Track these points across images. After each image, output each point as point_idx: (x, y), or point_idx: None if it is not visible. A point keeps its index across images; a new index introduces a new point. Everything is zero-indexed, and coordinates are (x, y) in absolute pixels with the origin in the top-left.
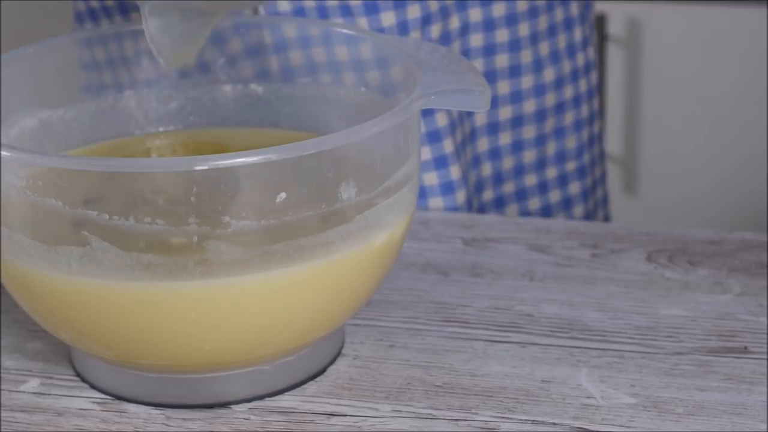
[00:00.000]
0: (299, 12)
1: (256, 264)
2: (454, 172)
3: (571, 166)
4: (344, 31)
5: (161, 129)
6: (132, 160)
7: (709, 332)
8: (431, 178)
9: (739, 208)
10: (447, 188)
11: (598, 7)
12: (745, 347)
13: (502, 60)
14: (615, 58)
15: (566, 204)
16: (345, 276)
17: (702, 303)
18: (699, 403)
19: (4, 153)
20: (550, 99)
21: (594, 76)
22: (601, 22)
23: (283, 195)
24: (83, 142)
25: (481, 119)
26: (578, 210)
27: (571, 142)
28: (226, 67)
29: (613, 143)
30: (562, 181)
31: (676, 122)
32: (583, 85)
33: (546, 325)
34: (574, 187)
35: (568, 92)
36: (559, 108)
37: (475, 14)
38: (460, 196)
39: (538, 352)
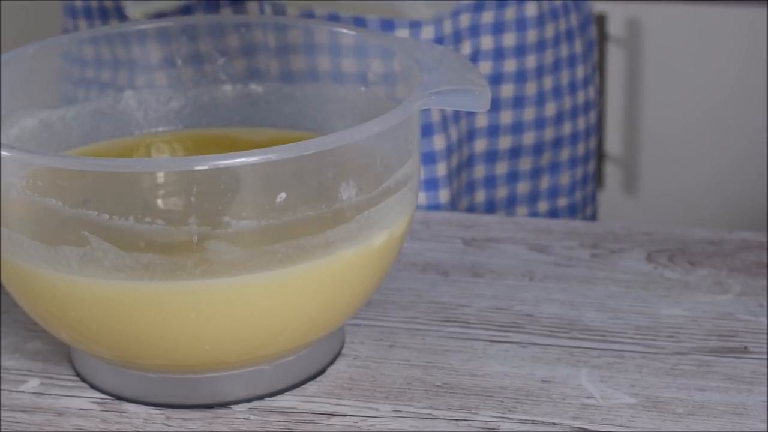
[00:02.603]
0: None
1: (256, 264)
2: (443, 195)
3: (562, 202)
4: (344, 30)
5: (161, 129)
6: (132, 160)
7: (709, 332)
8: (419, 198)
9: (739, 208)
10: (433, 210)
11: (598, 7)
12: (745, 347)
13: (507, 90)
14: (615, 58)
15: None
16: (345, 276)
17: (702, 303)
18: (699, 403)
19: (4, 153)
20: (549, 133)
21: (593, 115)
22: (601, 22)
23: (283, 195)
24: (83, 142)
25: (480, 146)
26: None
27: (564, 179)
28: (227, 67)
29: (613, 143)
30: (552, 216)
31: (676, 122)
32: (581, 123)
33: (546, 325)
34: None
35: (567, 129)
36: (557, 143)
37: (487, 42)
38: None
39: (538, 352)
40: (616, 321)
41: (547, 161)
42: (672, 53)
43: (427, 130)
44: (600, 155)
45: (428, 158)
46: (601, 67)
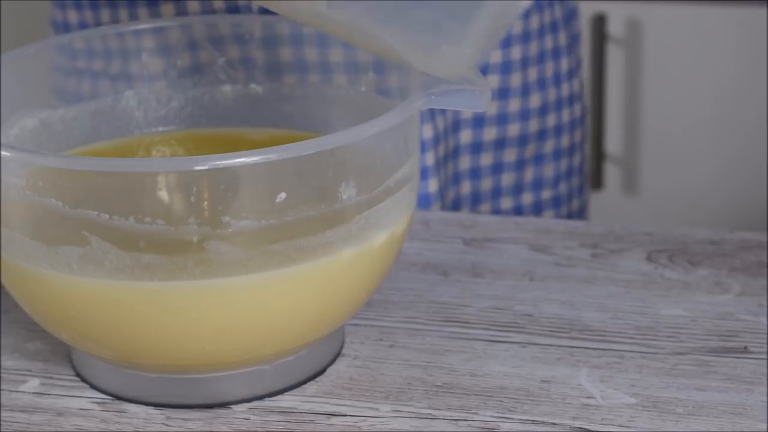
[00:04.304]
0: None
1: (256, 264)
2: (432, 185)
3: (546, 194)
4: None
5: (161, 129)
6: (132, 160)
7: (709, 332)
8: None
9: (739, 208)
10: (423, 200)
11: (598, 7)
12: (745, 347)
13: (493, 81)
14: (615, 58)
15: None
16: (345, 276)
17: (702, 303)
18: (699, 403)
19: (4, 153)
20: (533, 125)
21: (577, 108)
22: (601, 22)
23: (283, 195)
24: (83, 142)
25: (465, 137)
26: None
27: (548, 171)
28: (226, 67)
29: (613, 143)
30: (536, 208)
31: (676, 122)
32: (565, 115)
33: (546, 325)
34: (548, 216)
35: (551, 120)
36: (541, 135)
37: None
38: (435, 209)
39: (538, 352)
40: (616, 321)
41: (531, 153)
42: (672, 53)
43: None
44: (600, 155)
45: None
46: (600, 67)
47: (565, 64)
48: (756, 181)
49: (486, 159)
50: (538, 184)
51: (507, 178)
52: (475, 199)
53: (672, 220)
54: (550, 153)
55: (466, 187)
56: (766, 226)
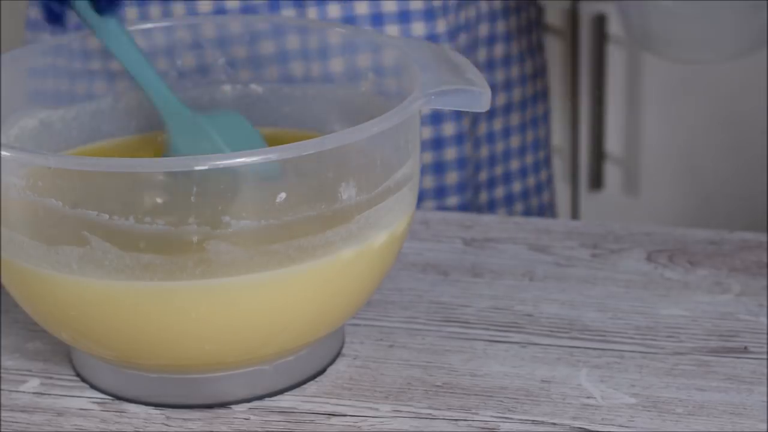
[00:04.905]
0: None
1: (256, 264)
2: (468, 149)
3: (529, 159)
4: (343, 30)
5: (161, 129)
6: (132, 160)
7: (709, 332)
8: (451, 154)
9: (739, 208)
10: (461, 163)
11: (598, 8)
12: (745, 347)
13: (482, 53)
14: (615, 58)
15: (525, 195)
16: (345, 276)
17: (702, 303)
18: (699, 403)
19: (4, 153)
20: (516, 94)
21: (540, 82)
22: (601, 22)
23: (283, 195)
24: (83, 142)
25: None
26: (533, 203)
27: (530, 137)
28: (227, 67)
29: (613, 143)
30: (523, 171)
31: (677, 122)
32: (539, 84)
33: (546, 325)
34: (534, 203)
35: (529, 90)
36: (522, 104)
37: (470, 10)
38: (468, 173)
39: (538, 352)
40: (616, 321)
41: (517, 121)
42: None
43: None
44: (600, 155)
45: (457, 114)
46: (600, 67)
47: (535, 37)
48: (756, 181)
49: (480, 129)
50: (522, 151)
51: (514, 141)
52: (492, 162)
53: (672, 220)
54: (529, 121)
55: (485, 151)
56: (766, 226)
